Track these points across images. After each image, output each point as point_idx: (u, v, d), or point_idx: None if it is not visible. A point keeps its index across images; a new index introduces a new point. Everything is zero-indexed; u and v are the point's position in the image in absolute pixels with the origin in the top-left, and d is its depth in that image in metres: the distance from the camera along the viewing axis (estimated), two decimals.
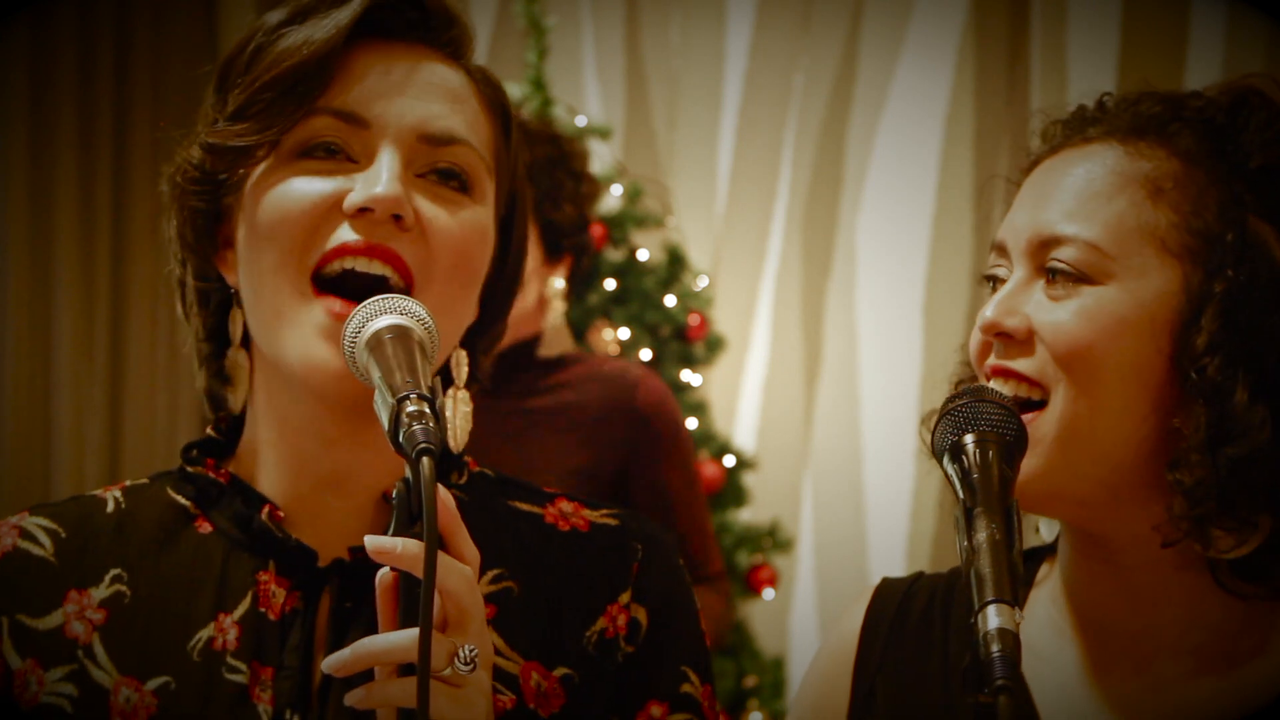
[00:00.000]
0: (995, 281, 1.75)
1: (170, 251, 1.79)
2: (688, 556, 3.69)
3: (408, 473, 1.46)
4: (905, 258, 6.09)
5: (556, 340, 3.66)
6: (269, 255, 1.66)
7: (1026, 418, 1.65)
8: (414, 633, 1.42)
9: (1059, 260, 1.69)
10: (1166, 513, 1.66)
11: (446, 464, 1.76)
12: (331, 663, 1.48)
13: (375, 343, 1.55)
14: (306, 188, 1.66)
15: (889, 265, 6.11)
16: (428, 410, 1.46)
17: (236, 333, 1.73)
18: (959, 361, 1.85)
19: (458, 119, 1.69)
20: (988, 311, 1.71)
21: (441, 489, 1.49)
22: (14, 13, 5.39)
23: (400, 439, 1.45)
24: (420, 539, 1.42)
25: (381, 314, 1.57)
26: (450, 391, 1.75)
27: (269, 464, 1.73)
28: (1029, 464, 1.65)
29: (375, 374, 1.53)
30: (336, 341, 1.61)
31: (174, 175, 1.76)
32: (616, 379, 3.69)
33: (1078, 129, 1.77)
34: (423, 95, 1.68)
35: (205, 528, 1.73)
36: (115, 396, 6.08)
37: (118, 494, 1.78)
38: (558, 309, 3.65)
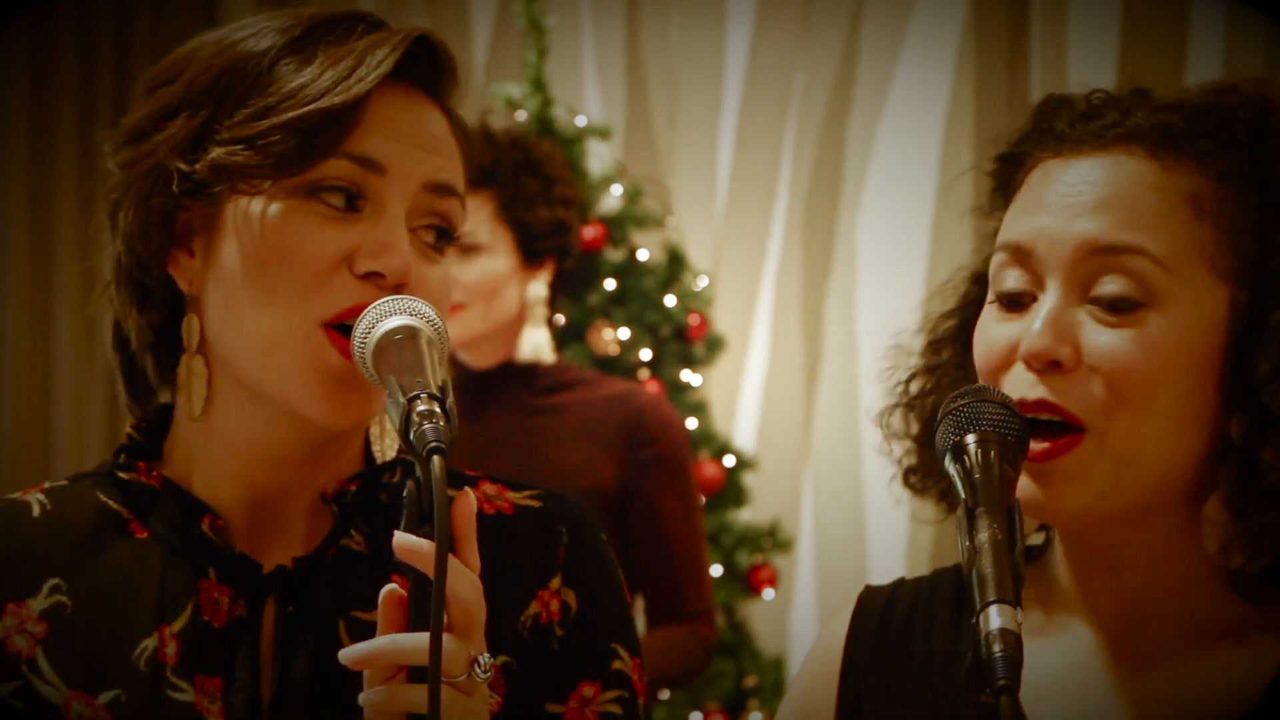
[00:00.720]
0: (1019, 299, 1.67)
1: (109, 242, 1.75)
2: (673, 588, 3.69)
3: (418, 471, 1.46)
4: (905, 258, 6.09)
5: (535, 348, 3.64)
6: (267, 294, 1.64)
7: (1062, 444, 1.61)
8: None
9: (1120, 280, 1.62)
10: (1230, 534, 1.64)
11: (376, 472, 1.75)
12: (349, 655, 1.47)
13: (385, 343, 1.56)
14: (318, 238, 1.64)
15: (889, 265, 6.11)
16: (438, 409, 1.47)
17: (192, 341, 1.69)
18: (916, 357, 1.81)
19: (452, 169, 1.70)
20: (1039, 336, 1.62)
21: (469, 494, 1.51)
22: (14, 13, 5.39)
23: (411, 438, 1.46)
24: (430, 539, 1.43)
25: (391, 315, 1.58)
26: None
27: (207, 473, 1.70)
28: (1078, 492, 1.62)
29: (385, 374, 1.54)
30: (339, 381, 1.62)
31: (137, 168, 1.72)
32: (623, 401, 3.68)
33: (1085, 130, 1.70)
34: (429, 145, 1.68)
35: (141, 533, 1.70)
36: (115, 396, 6.07)
37: (41, 497, 1.74)
38: (539, 314, 3.64)
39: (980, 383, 1.68)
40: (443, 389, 1.50)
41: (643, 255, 5.16)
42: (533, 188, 3.63)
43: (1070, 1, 5.99)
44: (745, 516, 5.28)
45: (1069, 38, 5.99)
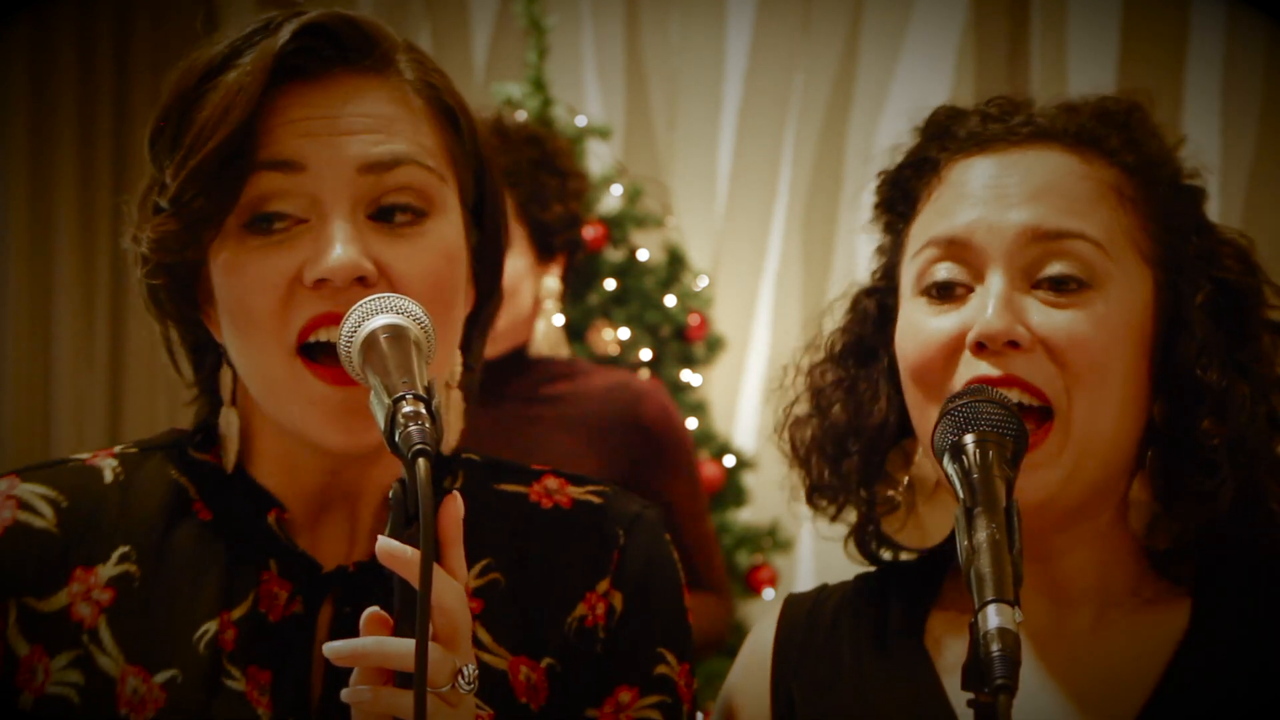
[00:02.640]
0: (952, 290, 1.70)
1: (146, 308, 1.75)
2: (691, 567, 3.69)
3: (404, 473, 1.44)
4: None
5: (550, 341, 3.65)
6: (247, 337, 1.64)
7: (1037, 430, 1.65)
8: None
9: (1065, 262, 1.67)
10: (1156, 511, 1.69)
11: (439, 468, 1.74)
12: (332, 649, 1.47)
13: (371, 342, 1.54)
14: (263, 269, 1.62)
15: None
16: (424, 411, 1.45)
17: (226, 392, 1.71)
18: (815, 363, 1.85)
19: (396, 140, 1.64)
20: (993, 318, 1.65)
21: (457, 496, 1.49)
22: (14, 13, 5.39)
23: (396, 440, 1.44)
24: (417, 540, 1.41)
25: (377, 313, 1.56)
26: (441, 389, 1.73)
27: (275, 472, 1.71)
28: (1048, 480, 1.65)
29: (371, 374, 1.52)
30: (336, 412, 1.61)
31: (133, 244, 1.70)
32: (620, 390, 3.68)
33: (997, 130, 1.75)
34: (355, 129, 1.63)
35: (204, 514, 1.70)
36: (115, 396, 6.08)
37: (113, 463, 1.74)
38: (552, 309, 3.64)
39: (913, 378, 1.70)
40: (429, 389, 1.48)
41: (643, 255, 5.16)
42: (550, 185, 3.62)
43: (1070, 1, 5.99)
44: (745, 516, 5.27)
45: (1069, 38, 5.98)
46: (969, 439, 1.57)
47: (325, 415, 1.62)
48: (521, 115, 4.99)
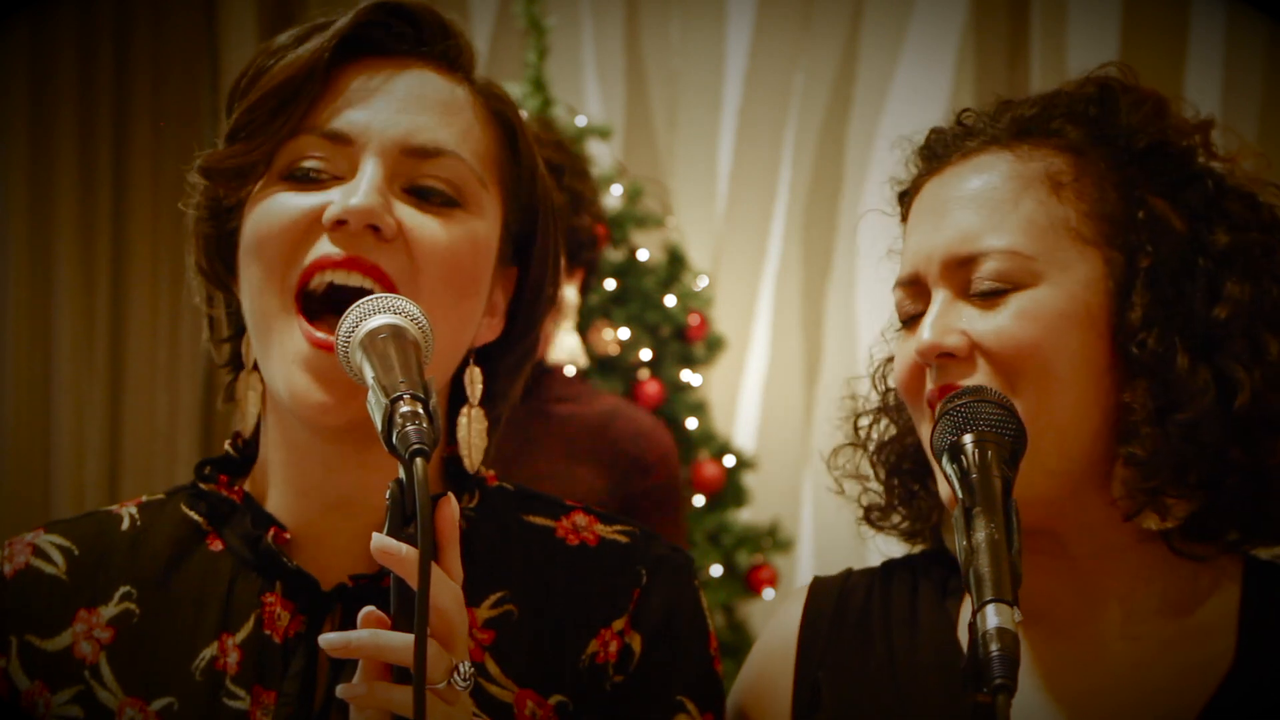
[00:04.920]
0: (913, 319, 1.76)
1: (194, 283, 1.78)
2: None
3: (401, 473, 1.45)
4: None
5: (567, 352, 3.65)
6: (255, 271, 1.66)
7: None
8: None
9: (984, 278, 1.70)
10: (1124, 486, 1.68)
11: (460, 485, 1.75)
12: (327, 641, 1.47)
13: (369, 342, 1.54)
14: (288, 203, 1.65)
15: (889, 265, 6.10)
16: (421, 410, 1.45)
17: (248, 358, 1.72)
18: (867, 406, 1.87)
19: (447, 130, 1.67)
20: (925, 334, 1.71)
21: (452, 500, 1.50)
22: (14, 13, 5.39)
23: (393, 440, 1.44)
24: (414, 540, 1.42)
25: (375, 313, 1.56)
26: (465, 409, 1.73)
27: (278, 485, 1.72)
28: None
29: (369, 374, 1.52)
30: (316, 372, 1.62)
31: (194, 194, 1.75)
32: (624, 423, 3.66)
33: (953, 146, 1.79)
34: (409, 107, 1.67)
35: (216, 545, 1.72)
36: (115, 396, 6.08)
37: (134, 510, 1.78)
38: (572, 320, 3.64)
39: (904, 400, 1.76)
40: (426, 389, 1.48)
41: (643, 255, 5.16)
42: (581, 194, 3.62)
43: (1070, 1, 5.99)
44: (745, 516, 5.27)
45: (1069, 38, 5.98)
46: (968, 439, 1.58)
47: (307, 376, 1.62)
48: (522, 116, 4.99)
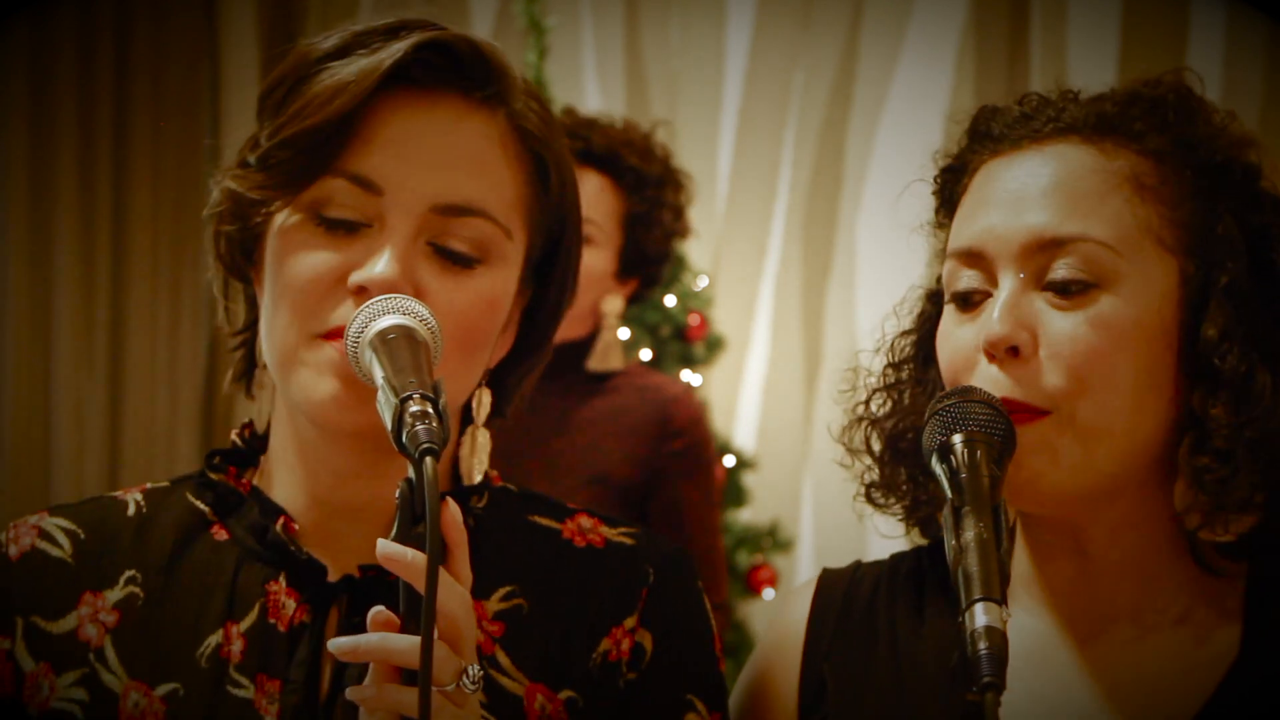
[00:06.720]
0: (971, 297, 1.71)
1: (212, 273, 1.79)
2: None
3: (410, 473, 1.46)
4: (905, 258, 6.08)
5: (607, 356, 3.65)
6: (281, 314, 1.67)
7: (1024, 419, 1.64)
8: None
9: (1070, 265, 1.66)
10: (1190, 497, 1.66)
11: (469, 486, 1.75)
12: (337, 645, 1.48)
13: (379, 343, 1.55)
14: (316, 256, 1.65)
15: (889, 265, 6.11)
16: (431, 410, 1.46)
17: (260, 355, 1.73)
18: (876, 389, 1.84)
19: (476, 185, 1.67)
20: (997, 326, 1.66)
21: (452, 504, 1.50)
22: (14, 13, 5.39)
23: (403, 439, 1.45)
24: (423, 538, 1.42)
25: (385, 314, 1.57)
26: (469, 430, 1.74)
27: (287, 483, 1.73)
28: (1042, 467, 1.64)
29: (378, 374, 1.53)
30: (342, 376, 1.62)
31: (214, 187, 1.75)
32: (654, 392, 3.69)
33: (1019, 128, 1.76)
34: (442, 163, 1.66)
35: (221, 534, 1.73)
36: (115, 396, 6.08)
37: (139, 496, 1.78)
38: (612, 326, 3.64)
39: (948, 388, 1.71)
40: (435, 389, 1.49)
41: None
42: (663, 214, 3.61)
43: (1070, 1, 5.99)
44: (745, 516, 5.28)
45: (1069, 38, 5.98)
46: (957, 439, 1.58)
47: (331, 382, 1.63)
48: None
